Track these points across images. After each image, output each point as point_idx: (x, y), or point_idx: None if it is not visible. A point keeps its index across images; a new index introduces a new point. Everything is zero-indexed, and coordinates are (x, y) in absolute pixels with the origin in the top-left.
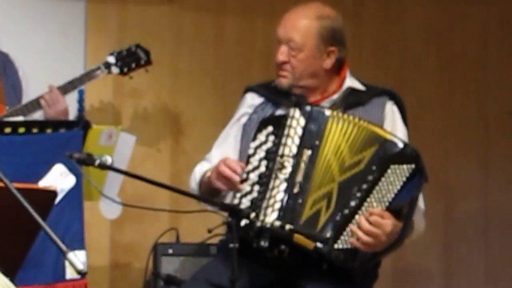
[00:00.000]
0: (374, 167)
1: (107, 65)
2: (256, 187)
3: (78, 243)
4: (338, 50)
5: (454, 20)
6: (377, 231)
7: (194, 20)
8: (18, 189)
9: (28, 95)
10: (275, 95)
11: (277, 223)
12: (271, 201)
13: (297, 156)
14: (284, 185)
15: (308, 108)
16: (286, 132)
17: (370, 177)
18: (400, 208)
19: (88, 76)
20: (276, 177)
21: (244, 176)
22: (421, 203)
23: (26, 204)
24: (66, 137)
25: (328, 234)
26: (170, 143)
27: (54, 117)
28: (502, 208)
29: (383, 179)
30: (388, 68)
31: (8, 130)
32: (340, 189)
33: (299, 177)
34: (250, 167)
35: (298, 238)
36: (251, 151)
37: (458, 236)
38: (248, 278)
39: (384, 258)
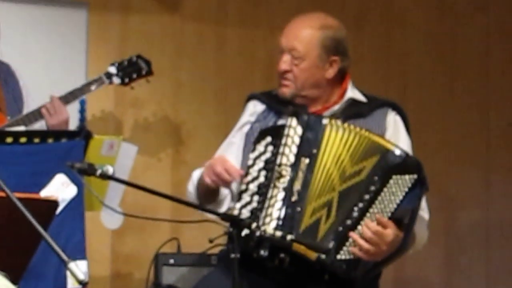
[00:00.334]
0: (376, 178)
1: (109, 75)
2: (256, 197)
3: (79, 253)
4: (340, 60)
5: (456, 30)
6: (378, 240)
7: (196, 30)
8: (20, 199)
9: (29, 105)
10: (278, 103)
11: (276, 232)
12: (270, 210)
13: (295, 165)
14: (282, 194)
15: (305, 117)
16: (283, 141)
17: (372, 188)
18: (402, 218)
19: (89, 86)
20: (275, 186)
21: (244, 187)
22: (425, 213)
23: (27, 214)
24: (68, 147)
25: (330, 245)
26: (171, 153)
27: (56, 127)
28: (503, 219)
29: (385, 189)
30: (389, 79)
31: (9, 140)
32: (341, 198)
33: (297, 186)
34: (249, 177)
35: (298, 247)
36: (250, 162)
37: (459, 247)
38: None
39: (385, 269)
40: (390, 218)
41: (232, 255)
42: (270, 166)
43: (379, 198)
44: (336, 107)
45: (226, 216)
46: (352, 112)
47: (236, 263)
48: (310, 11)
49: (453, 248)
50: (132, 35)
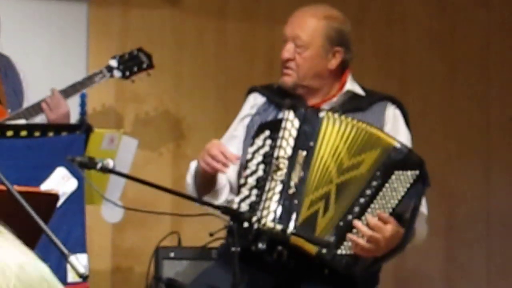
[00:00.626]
0: (378, 173)
1: (110, 69)
2: (254, 191)
3: (79, 247)
4: (343, 51)
5: (457, 24)
6: (377, 235)
7: (196, 24)
8: (20, 193)
9: (29, 99)
10: (278, 96)
11: (274, 225)
12: (267, 203)
13: (292, 158)
14: (279, 187)
15: (302, 109)
16: (281, 134)
17: (374, 183)
18: (402, 214)
19: (90, 80)
20: (272, 179)
21: (243, 181)
22: (424, 208)
23: (27, 208)
24: (68, 140)
25: (331, 239)
26: (172, 147)
27: (56, 121)
28: (503, 213)
29: (387, 185)
30: (390, 73)
31: (10, 133)
32: (339, 190)
33: (295, 179)
34: (248, 171)
35: (296, 240)
36: (249, 156)
37: (459, 242)
38: (249, 283)
39: (386, 263)
40: (391, 214)
41: (233, 249)
42: (268, 159)
43: (381, 193)
44: (334, 100)
45: (226, 210)
46: (351, 106)
47: (237, 257)
48: (311, 4)
49: (454, 241)
50: (132, 29)
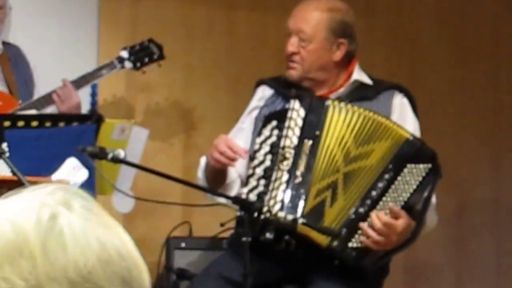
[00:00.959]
0: (390, 166)
1: (120, 60)
2: (262, 181)
3: None
4: (348, 43)
5: (466, 13)
6: (389, 231)
7: (207, 14)
8: (31, 183)
9: (39, 90)
10: (286, 88)
11: (280, 214)
12: (274, 193)
13: (298, 147)
14: (286, 176)
15: (308, 99)
16: (287, 124)
17: (386, 176)
18: (413, 205)
19: (101, 71)
20: (279, 169)
21: (250, 171)
22: (433, 198)
23: None
24: (79, 131)
25: (342, 231)
26: (182, 138)
27: (67, 111)
28: None
29: (399, 178)
30: (400, 62)
31: (21, 124)
32: (346, 180)
33: (301, 168)
34: (256, 162)
35: (303, 229)
36: (256, 147)
37: (469, 231)
38: (258, 273)
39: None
40: (402, 207)
41: (244, 239)
42: (275, 150)
43: (393, 186)
44: (342, 90)
45: (236, 200)
46: (358, 95)
47: (247, 246)
48: None
49: (463, 230)
50: (143, 20)
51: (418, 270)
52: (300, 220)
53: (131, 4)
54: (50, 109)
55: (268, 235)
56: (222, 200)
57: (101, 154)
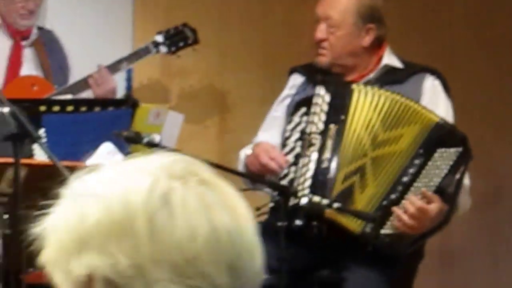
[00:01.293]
0: (420, 151)
1: (156, 44)
2: (293, 168)
3: None
4: (376, 27)
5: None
6: (422, 215)
7: None
8: (66, 167)
9: (74, 74)
10: (316, 75)
11: (309, 200)
12: (302, 179)
13: (324, 132)
14: (313, 162)
15: (333, 84)
16: (313, 110)
17: (416, 161)
18: (445, 189)
19: (136, 55)
20: (305, 155)
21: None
22: (466, 180)
23: None
24: (114, 115)
25: (374, 217)
26: (217, 122)
27: (102, 96)
28: None
29: (429, 163)
30: (435, 48)
31: (56, 108)
32: (375, 164)
33: (327, 153)
34: (287, 149)
35: (332, 214)
36: (287, 134)
37: (505, 216)
38: (292, 259)
39: (431, 238)
40: (434, 192)
41: (279, 223)
42: (304, 136)
43: (424, 172)
44: (372, 75)
45: (274, 185)
46: (388, 79)
47: (283, 231)
48: None
49: (499, 216)
50: (177, 4)
51: (453, 254)
52: (335, 205)
53: None
54: (85, 94)
55: (298, 222)
56: (258, 185)
57: (137, 139)
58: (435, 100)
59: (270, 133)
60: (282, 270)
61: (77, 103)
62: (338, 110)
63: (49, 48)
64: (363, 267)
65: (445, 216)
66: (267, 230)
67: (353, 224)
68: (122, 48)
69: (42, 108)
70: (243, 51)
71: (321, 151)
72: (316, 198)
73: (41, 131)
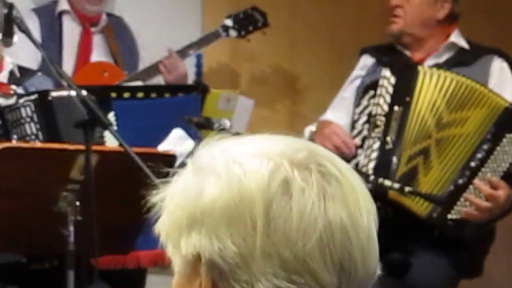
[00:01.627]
0: (489, 136)
1: (225, 28)
2: (359, 151)
3: None
4: (452, 3)
5: None
6: (491, 203)
7: None
8: (137, 153)
9: (144, 60)
10: (387, 57)
11: (373, 182)
12: (366, 160)
13: (389, 114)
14: (377, 144)
15: (399, 66)
16: (378, 92)
17: (484, 146)
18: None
19: (206, 40)
20: (370, 136)
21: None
22: None
23: (145, 168)
24: (185, 101)
25: (443, 200)
26: (287, 106)
27: (173, 82)
28: None
29: (498, 148)
30: (504, 32)
31: (126, 95)
32: (440, 146)
33: (391, 134)
34: (355, 132)
35: (395, 195)
36: (356, 117)
37: None
38: None
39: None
40: (502, 177)
41: None
42: (371, 119)
43: (492, 157)
44: (438, 53)
45: None
46: (456, 60)
47: None
48: None
49: None
50: None
51: None
52: (407, 189)
53: None
54: (155, 80)
55: None
56: None
57: (207, 124)
58: (503, 83)
59: (338, 113)
60: None
61: (147, 89)
62: (403, 92)
63: (118, 35)
64: (430, 251)
65: None
66: None
67: (418, 207)
68: (192, 33)
69: (113, 94)
70: (313, 34)
71: (385, 132)
72: (380, 179)
73: (111, 115)
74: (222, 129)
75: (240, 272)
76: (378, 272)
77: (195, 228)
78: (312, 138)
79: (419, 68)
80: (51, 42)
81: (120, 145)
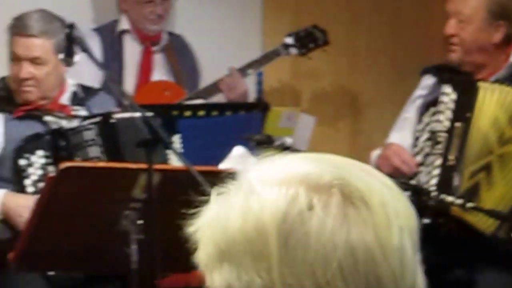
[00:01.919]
0: None
1: (286, 46)
2: (422, 168)
3: None
4: (506, 25)
5: None
6: None
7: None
8: (200, 172)
9: (205, 78)
10: (449, 76)
11: (435, 198)
12: (428, 177)
13: (450, 130)
14: (439, 160)
15: (460, 82)
16: (439, 108)
17: None
18: None
19: (266, 58)
20: (432, 153)
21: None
22: None
23: (207, 187)
24: (246, 119)
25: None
26: (349, 123)
27: (235, 99)
28: None
29: None
30: None
31: (188, 113)
32: (502, 161)
33: (454, 151)
34: (416, 149)
35: (458, 211)
36: (417, 134)
37: None
38: (423, 258)
39: None
40: None
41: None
42: (433, 136)
43: None
44: (501, 72)
45: (406, 185)
46: None
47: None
48: None
49: None
50: (307, 5)
51: None
52: (469, 204)
53: None
54: (216, 98)
55: (426, 220)
56: None
57: (268, 142)
58: None
59: (402, 134)
60: None
61: (208, 107)
62: (464, 108)
63: (179, 53)
64: (495, 268)
65: None
66: None
67: (482, 224)
68: (252, 51)
69: (174, 113)
70: (374, 52)
71: (447, 149)
72: (442, 195)
73: (177, 137)
74: (283, 147)
75: None
76: None
77: (226, 261)
78: (378, 162)
79: (480, 83)
80: (112, 62)
81: (183, 163)
